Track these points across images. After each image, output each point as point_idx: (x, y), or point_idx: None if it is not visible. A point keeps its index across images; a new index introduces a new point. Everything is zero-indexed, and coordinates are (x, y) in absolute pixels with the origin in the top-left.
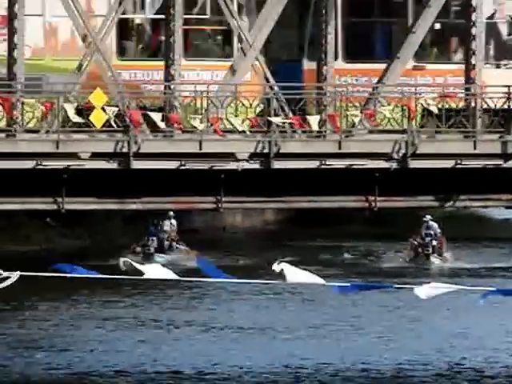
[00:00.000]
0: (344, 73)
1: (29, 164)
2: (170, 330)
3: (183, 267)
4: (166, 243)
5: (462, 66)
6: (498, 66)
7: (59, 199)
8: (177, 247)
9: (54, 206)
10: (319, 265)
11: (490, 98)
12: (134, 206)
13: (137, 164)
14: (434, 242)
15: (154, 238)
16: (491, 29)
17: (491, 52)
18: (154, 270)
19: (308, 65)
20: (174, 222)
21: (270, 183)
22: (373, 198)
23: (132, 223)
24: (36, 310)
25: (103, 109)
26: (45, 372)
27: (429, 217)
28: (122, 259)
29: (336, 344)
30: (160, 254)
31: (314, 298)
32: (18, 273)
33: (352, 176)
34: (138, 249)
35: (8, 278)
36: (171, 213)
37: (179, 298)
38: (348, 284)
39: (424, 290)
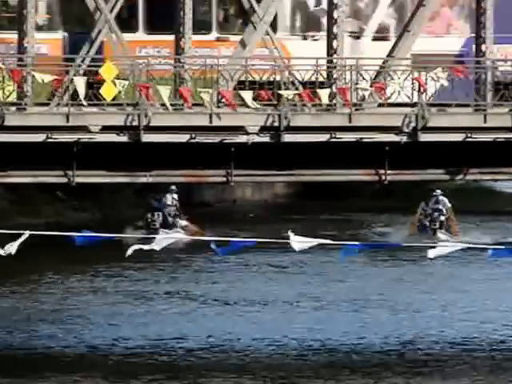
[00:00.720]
0: (145, 44)
1: (39, 137)
2: (179, 304)
3: (189, 244)
4: (170, 219)
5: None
6: (304, 38)
7: (69, 172)
8: (181, 226)
9: (65, 179)
10: (327, 238)
11: (298, 70)
12: (144, 179)
13: (147, 137)
14: (442, 218)
15: (160, 213)
16: (297, 0)
17: (298, 23)
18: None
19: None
20: (175, 196)
21: (280, 156)
22: (383, 172)
23: (142, 196)
24: (43, 283)
25: (113, 82)
26: (53, 345)
27: (439, 191)
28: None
29: (343, 317)
30: (165, 230)
31: (321, 272)
32: (28, 232)
33: (362, 149)
34: (140, 223)
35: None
36: (173, 187)
37: (187, 271)
38: (357, 243)
39: (434, 251)
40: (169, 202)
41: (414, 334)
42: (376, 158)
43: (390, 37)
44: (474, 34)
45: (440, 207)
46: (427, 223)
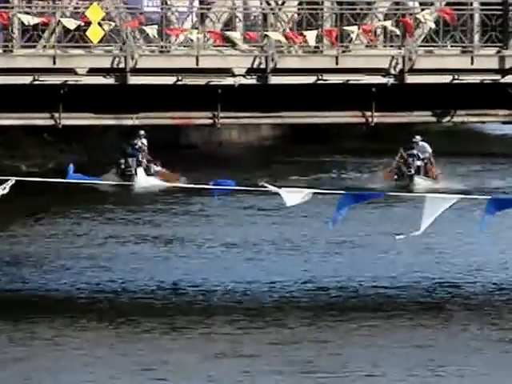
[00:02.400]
0: None
1: (26, 79)
2: (169, 246)
3: (165, 189)
4: (144, 164)
5: None
6: None
7: (56, 114)
8: (156, 170)
9: (51, 122)
10: (310, 181)
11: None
12: (130, 122)
13: (133, 79)
14: (418, 163)
15: (134, 159)
16: None
17: None
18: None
19: None
20: (144, 141)
21: (267, 99)
22: (369, 114)
23: (128, 139)
24: (33, 225)
25: (100, 24)
26: (39, 288)
27: (418, 137)
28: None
29: (329, 258)
30: (140, 175)
31: (302, 214)
32: (14, 178)
33: (349, 91)
34: (114, 170)
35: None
36: (142, 132)
37: (176, 214)
38: (342, 192)
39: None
40: (138, 148)
41: (400, 276)
42: (363, 100)
43: None
44: None
45: (415, 152)
46: (404, 170)
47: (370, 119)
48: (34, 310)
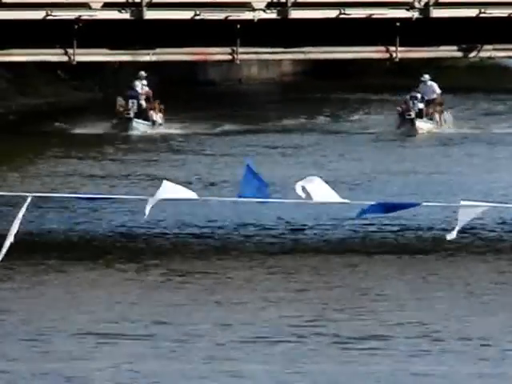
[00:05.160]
0: None
1: (38, 14)
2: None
3: (165, 134)
4: (144, 108)
5: None
6: None
7: (70, 51)
8: (154, 119)
9: (65, 58)
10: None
11: None
12: (147, 58)
13: (150, 14)
14: (420, 105)
15: (134, 101)
16: None
17: None
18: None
19: None
20: (145, 82)
21: (287, 33)
22: (393, 49)
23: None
24: (31, 167)
25: None
26: (40, 228)
27: (427, 76)
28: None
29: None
30: (138, 120)
31: (313, 153)
32: (30, 195)
33: (372, 26)
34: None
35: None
36: (142, 72)
37: (174, 155)
38: (372, 202)
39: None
40: (139, 90)
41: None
42: (386, 35)
43: None
44: None
45: (417, 95)
46: (405, 114)
47: (394, 54)
48: (33, 250)
